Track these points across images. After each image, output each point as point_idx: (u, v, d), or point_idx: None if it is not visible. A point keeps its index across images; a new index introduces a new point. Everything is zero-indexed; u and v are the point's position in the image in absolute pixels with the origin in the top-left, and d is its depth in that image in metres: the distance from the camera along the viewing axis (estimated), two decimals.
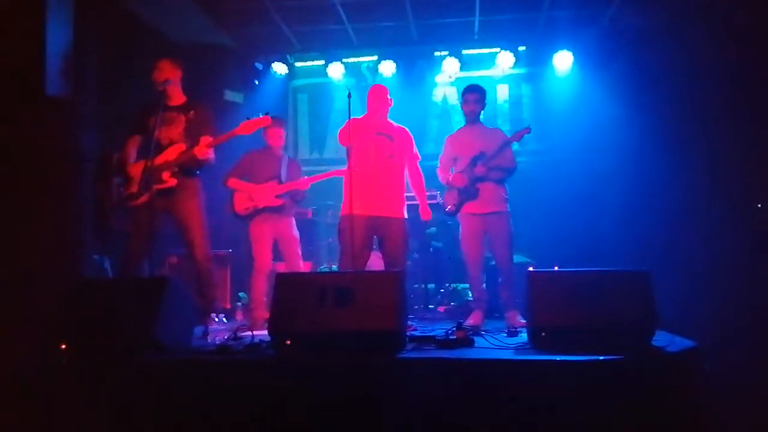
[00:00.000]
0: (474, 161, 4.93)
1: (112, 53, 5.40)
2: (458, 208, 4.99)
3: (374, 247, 4.73)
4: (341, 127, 4.62)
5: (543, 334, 3.46)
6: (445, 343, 3.44)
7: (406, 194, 5.99)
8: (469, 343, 3.50)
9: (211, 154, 4.42)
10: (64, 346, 3.34)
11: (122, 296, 3.56)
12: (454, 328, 3.65)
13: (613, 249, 6.26)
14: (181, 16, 6.43)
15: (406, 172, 4.80)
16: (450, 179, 5.04)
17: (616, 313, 3.41)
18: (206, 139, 4.40)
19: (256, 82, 7.64)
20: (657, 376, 3.08)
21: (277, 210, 5.23)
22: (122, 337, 3.37)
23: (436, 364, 3.03)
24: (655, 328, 3.43)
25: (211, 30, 6.82)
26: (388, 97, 4.71)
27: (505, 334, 4.11)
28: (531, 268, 5.88)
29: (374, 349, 3.16)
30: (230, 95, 7.49)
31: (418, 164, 4.86)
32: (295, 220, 5.48)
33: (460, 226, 5.04)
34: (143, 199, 4.32)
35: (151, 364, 3.18)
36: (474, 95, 5.05)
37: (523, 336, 3.91)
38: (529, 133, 4.89)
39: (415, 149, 4.84)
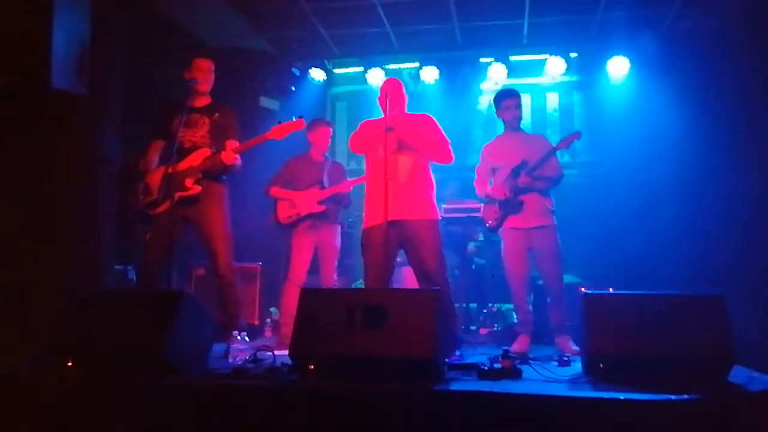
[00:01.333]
0: (516, 171, 4.53)
1: (143, 55, 5.20)
2: (500, 222, 4.60)
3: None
4: (352, 134, 4.19)
5: (601, 365, 3.08)
6: (488, 373, 3.04)
7: (449, 207, 5.71)
8: (515, 374, 3.10)
9: (238, 160, 4.15)
10: (70, 363, 3.10)
11: (134, 310, 3.28)
12: (499, 356, 3.25)
13: (673, 270, 5.81)
14: (216, 19, 6.23)
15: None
16: (489, 191, 4.66)
17: (686, 343, 3.02)
18: (233, 143, 4.14)
19: (293, 89, 7.38)
20: (740, 421, 2.63)
21: (321, 217, 5.05)
22: (131, 354, 3.10)
23: (478, 399, 2.64)
24: (732, 362, 2.98)
25: (247, 33, 6.61)
26: (403, 91, 4.14)
27: (556, 364, 3.68)
28: (583, 289, 5.47)
29: (408, 379, 2.79)
30: (266, 102, 7.25)
31: (444, 148, 4.03)
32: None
33: (503, 243, 4.66)
34: (165, 207, 4.07)
35: (158, 386, 2.90)
36: (514, 100, 4.69)
37: (577, 366, 3.49)
38: (578, 139, 4.50)
39: (437, 131, 4.07)
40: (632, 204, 6.42)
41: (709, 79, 6.14)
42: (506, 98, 4.70)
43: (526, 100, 7.38)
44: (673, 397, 2.57)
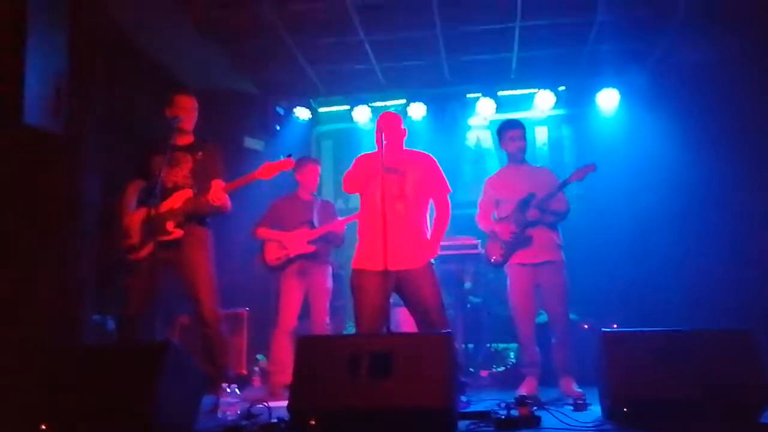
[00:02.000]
0: (523, 204, 4.35)
1: (123, 95, 4.99)
2: (506, 258, 4.39)
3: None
4: (346, 172, 3.89)
5: (625, 409, 2.84)
6: (505, 422, 2.80)
7: (444, 244, 5.46)
8: (535, 423, 2.86)
9: (227, 201, 3.91)
10: (43, 427, 2.79)
11: (115, 366, 2.98)
12: (514, 402, 3.01)
13: (671, 303, 5.66)
14: (198, 58, 6.07)
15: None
16: (497, 230, 4.45)
17: (715, 383, 2.82)
18: (219, 183, 3.90)
19: (278, 129, 7.20)
20: None
21: (311, 258, 4.83)
22: (113, 416, 2.80)
23: None
24: (766, 402, 2.78)
25: (230, 72, 6.46)
26: (402, 125, 3.88)
27: (571, 408, 3.45)
28: (586, 326, 5.27)
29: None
30: (250, 143, 7.06)
31: (447, 197, 3.87)
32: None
33: (509, 279, 4.43)
34: (144, 252, 3.81)
35: None
36: (518, 131, 4.54)
37: (595, 410, 3.25)
38: (594, 171, 4.29)
39: (442, 179, 3.87)
40: (625, 237, 6.28)
41: (701, 112, 6.09)
42: (510, 129, 4.55)
43: None
44: None
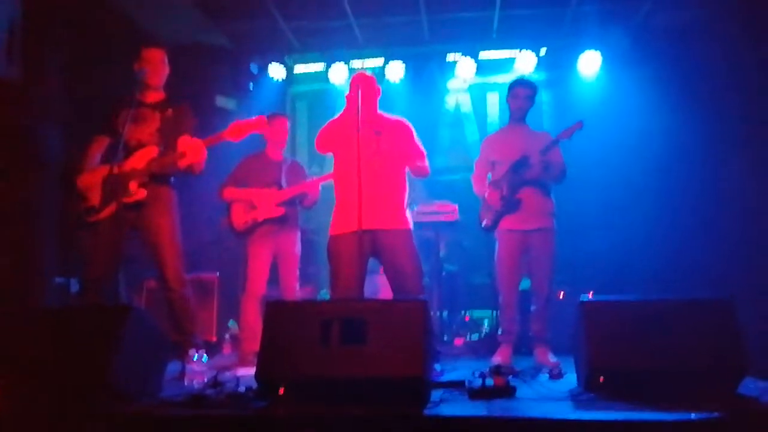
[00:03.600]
0: (516, 167, 4.22)
1: (84, 44, 4.71)
2: (495, 222, 4.28)
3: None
4: (320, 131, 3.80)
5: (602, 378, 2.79)
6: (480, 392, 2.72)
7: (421, 210, 5.36)
8: (509, 392, 2.78)
9: (203, 158, 3.71)
10: None
11: (73, 329, 2.85)
12: (488, 371, 2.93)
13: (650, 271, 5.63)
14: (168, 11, 5.76)
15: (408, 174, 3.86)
16: (486, 198, 4.34)
17: (693, 352, 2.79)
18: (191, 140, 3.72)
19: (251, 87, 6.96)
20: None
21: (279, 221, 4.63)
22: (71, 381, 2.67)
23: (476, 425, 2.30)
24: (744, 372, 2.75)
25: (201, 26, 6.17)
26: (376, 85, 3.76)
27: (547, 377, 3.39)
28: (562, 294, 5.22)
29: (393, 402, 2.44)
30: (222, 101, 6.81)
31: (424, 162, 3.80)
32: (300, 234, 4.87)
33: (498, 244, 4.32)
34: (106, 213, 3.63)
35: (102, 416, 2.49)
36: (526, 90, 4.38)
37: (571, 379, 3.20)
38: (581, 129, 4.18)
39: (417, 143, 3.81)
40: (604, 204, 6.24)
41: (683, 75, 6.00)
42: (518, 86, 4.40)
43: (493, 98, 7.13)
44: (693, 416, 2.29)
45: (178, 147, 3.73)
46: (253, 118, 3.77)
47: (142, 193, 3.66)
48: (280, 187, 4.67)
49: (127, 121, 3.60)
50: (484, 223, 4.36)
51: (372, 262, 3.81)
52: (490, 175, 4.45)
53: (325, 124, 3.79)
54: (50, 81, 3.94)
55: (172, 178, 3.85)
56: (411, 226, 3.73)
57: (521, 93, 4.37)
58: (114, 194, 3.60)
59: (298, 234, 4.83)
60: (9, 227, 3.85)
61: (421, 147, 3.80)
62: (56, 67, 4.00)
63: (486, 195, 4.36)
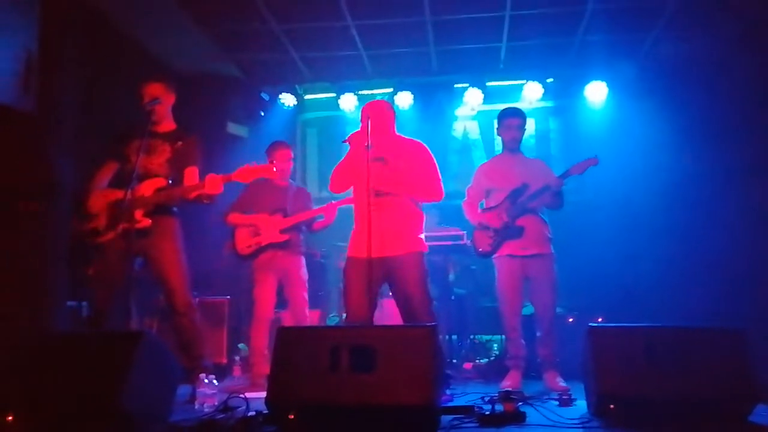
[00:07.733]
0: (515, 194, 4.26)
1: (99, 75, 4.82)
2: (495, 248, 4.30)
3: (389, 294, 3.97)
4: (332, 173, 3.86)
5: (612, 406, 2.79)
6: (490, 418, 2.72)
7: (429, 234, 5.38)
8: (520, 419, 2.78)
9: (219, 190, 3.73)
10: (10, 418, 2.69)
11: (85, 355, 2.87)
12: (498, 397, 2.94)
13: (659, 299, 5.60)
14: (181, 40, 5.89)
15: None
16: (484, 219, 4.36)
17: (704, 381, 2.78)
18: (193, 170, 3.82)
19: (262, 114, 7.08)
20: None
21: (283, 246, 4.66)
22: (82, 405, 2.69)
23: None
24: (756, 401, 2.74)
25: (214, 56, 6.29)
26: (389, 109, 3.86)
27: (556, 403, 3.39)
28: (571, 320, 5.21)
29: (402, 430, 2.45)
30: (234, 128, 6.92)
31: (434, 185, 3.78)
32: (305, 259, 4.90)
33: (497, 270, 4.35)
34: (108, 237, 3.70)
35: None
36: (516, 120, 4.43)
37: (581, 405, 3.19)
38: (596, 165, 4.15)
39: (432, 166, 3.80)
40: (611, 230, 6.24)
41: (689, 106, 6.05)
42: (509, 117, 4.45)
43: None
44: None
45: (185, 176, 3.81)
46: (263, 165, 3.83)
47: (147, 222, 3.72)
48: (285, 214, 4.71)
49: (140, 151, 3.67)
50: (481, 249, 4.38)
51: (385, 286, 3.86)
52: (482, 203, 4.49)
53: (336, 166, 3.86)
54: (64, 111, 4.02)
55: (175, 208, 3.91)
56: (425, 248, 3.77)
57: (514, 123, 4.42)
58: (120, 219, 3.66)
59: (302, 259, 4.85)
60: (21, 251, 3.90)
61: (436, 170, 3.81)
62: (70, 97, 4.08)
63: (487, 216, 4.38)
